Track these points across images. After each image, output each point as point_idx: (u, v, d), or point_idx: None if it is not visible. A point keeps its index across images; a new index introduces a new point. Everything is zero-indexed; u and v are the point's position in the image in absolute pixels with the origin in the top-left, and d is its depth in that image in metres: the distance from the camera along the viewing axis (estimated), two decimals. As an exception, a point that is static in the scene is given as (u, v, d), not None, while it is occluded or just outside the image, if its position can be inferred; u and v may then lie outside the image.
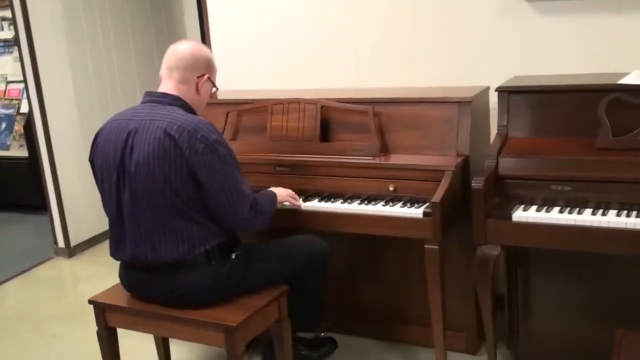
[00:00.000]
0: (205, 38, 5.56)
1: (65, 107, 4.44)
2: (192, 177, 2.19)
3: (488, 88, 2.84)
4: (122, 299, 2.44)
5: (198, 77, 2.36)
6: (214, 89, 2.47)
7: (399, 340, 2.98)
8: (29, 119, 5.16)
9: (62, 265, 4.45)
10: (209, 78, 2.40)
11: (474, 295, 2.75)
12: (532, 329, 2.69)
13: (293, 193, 2.63)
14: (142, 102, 2.36)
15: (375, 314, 3.03)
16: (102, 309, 2.45)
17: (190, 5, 5.62)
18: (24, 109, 5.46)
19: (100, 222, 4.69)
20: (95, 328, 2.48)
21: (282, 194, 2.58)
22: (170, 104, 2.29)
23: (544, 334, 2.66)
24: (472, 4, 2.99)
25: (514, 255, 2.63)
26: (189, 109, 2.33)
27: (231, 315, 2.25)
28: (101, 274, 4.11)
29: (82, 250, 4.59)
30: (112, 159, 2.26)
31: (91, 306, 2.47)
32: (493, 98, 2.87)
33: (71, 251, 4.52)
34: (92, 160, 2.39)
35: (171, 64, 2.35)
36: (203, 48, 2.43)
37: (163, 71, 2.37)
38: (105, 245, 4.60)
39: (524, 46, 2.93)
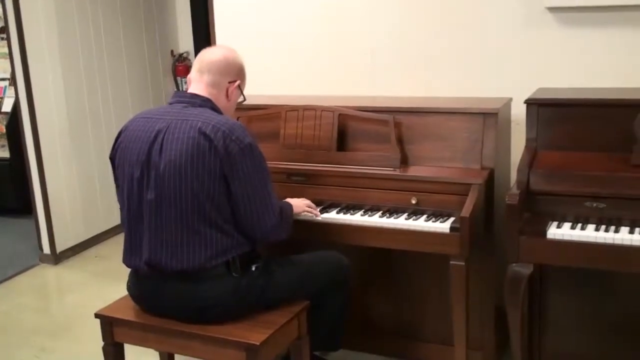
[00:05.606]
0: (197, 35, 5.45)
1: (55, 106, 4.26)
2: (224, 179, 2.10)
3: (511, 99, 2.76)
4: (131, 312, 2.29)
5: (229, 83, 2.29)
6: (241, 97, 2.39)
7: (412, 357, 2.86)
8: (13, 118, 4.97)
9: (48, 273, 4.23)
10: (239, 86, 2.33)
11: (494, 314, 2.69)
12: (552, 349, 2.61)
13: (310, 203, 2.54)
14: (170, 103, 2.26)
15: (388, 330, 2.92)
16: (109, 323, 2.30)
17: (182, 2, 5.50)
18: (6, 107, 5.25)
19: (87, 227, 4.53)
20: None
21: (299, 204, 2.48)
22: (201, 106, 2.21)
23: (564, 355, 2.59)
24: (493, 14, 2.91)
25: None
26: (219, 113, 2.24)
27: (252, 332, 2.12)
28: (89, 283, 3.95)
29: (69, 257, 4.38)
30: (136, 156, 2.15)
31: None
32: (513, 110, 2.80)
33: (57, 258, 4.30)
34: (112, 157, 2.28)
35: (203, 67, 2.27)
36: (237, 55, 2.35)
37: (193, 74, 2.29)
38: (93, 252, 4.53)
39: (546, 58, 2.86)
